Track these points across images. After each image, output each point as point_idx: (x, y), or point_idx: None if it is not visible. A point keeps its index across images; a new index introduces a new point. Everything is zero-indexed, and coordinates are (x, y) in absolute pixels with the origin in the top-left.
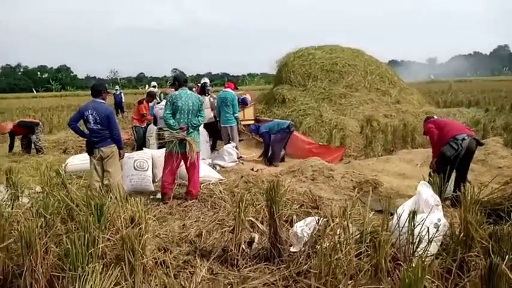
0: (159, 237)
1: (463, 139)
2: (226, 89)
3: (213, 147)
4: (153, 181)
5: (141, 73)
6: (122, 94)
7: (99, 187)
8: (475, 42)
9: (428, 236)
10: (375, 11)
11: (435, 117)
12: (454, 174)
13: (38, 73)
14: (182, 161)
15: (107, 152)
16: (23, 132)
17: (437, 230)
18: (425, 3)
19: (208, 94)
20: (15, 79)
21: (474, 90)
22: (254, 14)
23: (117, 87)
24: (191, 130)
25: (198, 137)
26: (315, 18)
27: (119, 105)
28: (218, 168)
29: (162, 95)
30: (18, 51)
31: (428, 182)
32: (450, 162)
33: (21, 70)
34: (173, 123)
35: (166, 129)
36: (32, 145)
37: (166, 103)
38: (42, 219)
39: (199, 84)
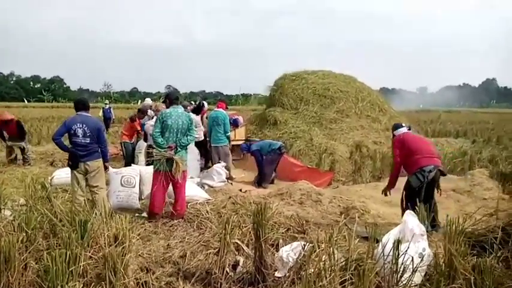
0: (142, 256)
1: (430, 171)
2: (218, 109)
3: (205, 167)
4: (140, 198)
5: (135, 88)
6: (112, 109)
7: (84, 201)
8: (465, 74)
9: (413, 265)
10: (368, 38)
11: (404, 128)
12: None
13: (31, 83)
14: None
15: (93, 166)
16: (15, 132)
17: (422, 260)
18: (418, 33)
19: (201, 114)
20: (7, 88)
21: (462, 121)
22: (251, 33)
23: (106, 101)
24: (179, 149)
25: (186, 155)
26: (308, 42)
27: (106, 121)
28: (206, 187)
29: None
30: (12, 59)
31: (414, 211)
32: (415, 193)
33: (14, 79)
34: (161, 141)
35: (155, 147)
36: (20, 155)
37: (156, 121)
38: (24, 234)
39: (192, 102)
